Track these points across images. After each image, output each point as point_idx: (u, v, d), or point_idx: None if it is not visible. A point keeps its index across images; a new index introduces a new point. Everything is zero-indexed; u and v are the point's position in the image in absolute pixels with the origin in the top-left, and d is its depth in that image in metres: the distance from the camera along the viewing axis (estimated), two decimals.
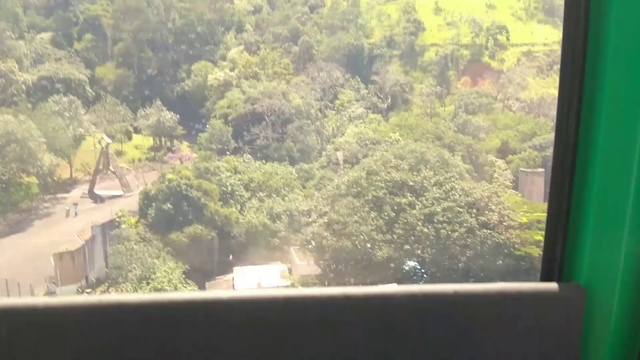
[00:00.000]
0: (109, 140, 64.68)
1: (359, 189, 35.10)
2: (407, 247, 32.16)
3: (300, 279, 40.79)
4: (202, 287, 41.56)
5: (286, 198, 48.02)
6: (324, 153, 61.78)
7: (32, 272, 43.93)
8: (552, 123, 65.59)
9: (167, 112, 76.47)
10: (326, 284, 35.70)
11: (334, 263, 33.97)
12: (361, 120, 71.81)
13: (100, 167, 63.49)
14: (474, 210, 32.93)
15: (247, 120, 66.28)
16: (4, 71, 72.28)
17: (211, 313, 2.37)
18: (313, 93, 75.32)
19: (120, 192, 62.40)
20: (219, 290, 42.72)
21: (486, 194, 33.73)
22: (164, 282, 37.40)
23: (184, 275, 39.86)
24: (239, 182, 50.88)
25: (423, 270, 33.65)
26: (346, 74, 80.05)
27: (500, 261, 32.44)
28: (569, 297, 2.53)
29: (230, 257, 46.60)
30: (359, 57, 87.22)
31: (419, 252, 32.21)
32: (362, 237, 32.14)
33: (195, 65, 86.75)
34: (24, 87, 73.54)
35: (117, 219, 47.02)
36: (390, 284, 33.82)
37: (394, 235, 32.06)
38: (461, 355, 2.49)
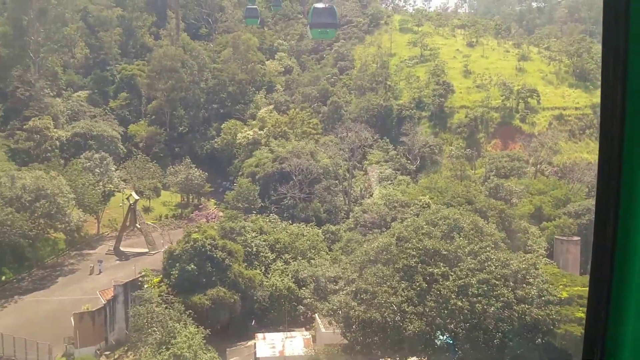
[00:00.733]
0: (137, 197, 64.94)
1: (389, 256, 33.71)
2: (440, 320, 30.34)
3: (324, 348, 38.98)
4: (222, 353, 40.00)
5: (312, 261, 46.80)
6: (351, 215, 60.77)
7: (52, 331, 43.08)
8: (586, 189, 63.67)
9: (196, 169, 77.11)
10: (352, 356, 33.86)
11: (361, 335, 32.20)
12: (390, 182, 71.01)
13: (127, 223, 63.53)
14: (511, 282, 31.13)
15: (274, 179, 66.10)
16: (40, 128, 74.21)
17: None
18: (341, 153, 75.21)
19: (145, 250, 62.08)
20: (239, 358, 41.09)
21: (523, 266, 31.96)
22: (184, 348, 35.98)
23: (204, 341, 38.41)
24: (264, 243, 49.96)
25: (456, 346, 31.67)
26: (375, 135, 79.95)
27: (539, 339, 30.35)
28: None
29: (253, 322, 45.11)
30: (388, 117, 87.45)
31: (452, 326, 30.33)
32: (391, 308, 30.50)
33: (225, 123, 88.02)
34: (57, 143, 75.19)
35: (140, 279, 46.25)
36: None
37: (425, 308, 30.33)
38: None
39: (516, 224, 50.15)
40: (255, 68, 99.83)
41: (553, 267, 41.71)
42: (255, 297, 44.38)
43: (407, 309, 30.47)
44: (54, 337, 42.24)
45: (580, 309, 30.86)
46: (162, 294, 42.63)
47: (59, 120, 79.99)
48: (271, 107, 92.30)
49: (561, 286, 33.66)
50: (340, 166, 72.96)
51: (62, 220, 57.64)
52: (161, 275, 45.79)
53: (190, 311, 40.07)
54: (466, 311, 29.96)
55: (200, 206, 77.70)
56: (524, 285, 31.20)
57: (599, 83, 2.47)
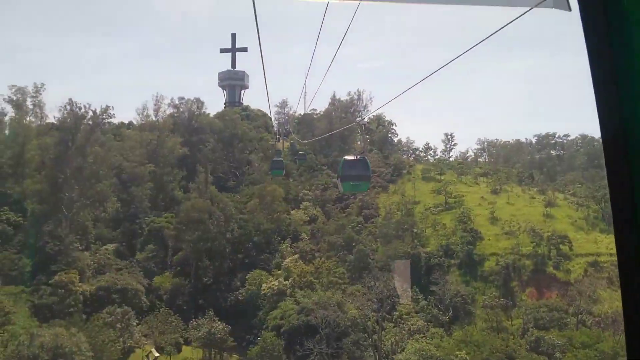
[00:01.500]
0: (157, 354, 62.25)
1: None
2: None
3: None
4: None
5: None
6: None
7: None
8: None
9: (219, 322, 74.52)
10: None
11: None
12: (422, 334, 67.25)
13: None
14: None
15: (300, 333, 63.38)
16: (65, 282, 73.94)
17: None
18: (369, 304, 72.51)
19: None
20: None
21: None
22: None
23: None
24: None
25: None
26: (404, 284, 77.54)
27: None
28: None
29: None
30: (416, 266, 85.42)
31: None
32: None
33: (250, 274, 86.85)
34: (81, 297, 74.33)
35: None
36: None
37: None
38: None
39: None
40: (280, 217, 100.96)
41: None
42: None
43: None
44: None
45: None
46: None
47: (85, 274, 79.87)
48: (296, 256, 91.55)
49: None
50: (369, 317, 69.89)
51: None
52: None
53: None
54: None
55: None
56: None
57: None
